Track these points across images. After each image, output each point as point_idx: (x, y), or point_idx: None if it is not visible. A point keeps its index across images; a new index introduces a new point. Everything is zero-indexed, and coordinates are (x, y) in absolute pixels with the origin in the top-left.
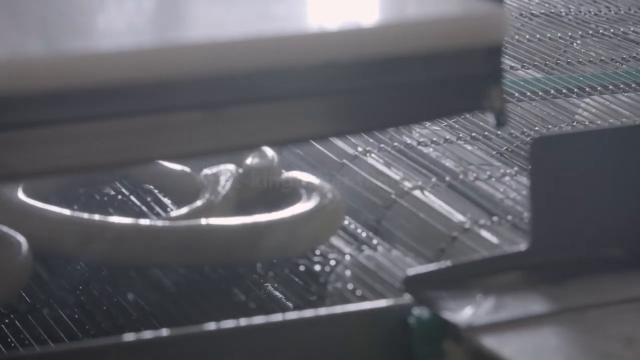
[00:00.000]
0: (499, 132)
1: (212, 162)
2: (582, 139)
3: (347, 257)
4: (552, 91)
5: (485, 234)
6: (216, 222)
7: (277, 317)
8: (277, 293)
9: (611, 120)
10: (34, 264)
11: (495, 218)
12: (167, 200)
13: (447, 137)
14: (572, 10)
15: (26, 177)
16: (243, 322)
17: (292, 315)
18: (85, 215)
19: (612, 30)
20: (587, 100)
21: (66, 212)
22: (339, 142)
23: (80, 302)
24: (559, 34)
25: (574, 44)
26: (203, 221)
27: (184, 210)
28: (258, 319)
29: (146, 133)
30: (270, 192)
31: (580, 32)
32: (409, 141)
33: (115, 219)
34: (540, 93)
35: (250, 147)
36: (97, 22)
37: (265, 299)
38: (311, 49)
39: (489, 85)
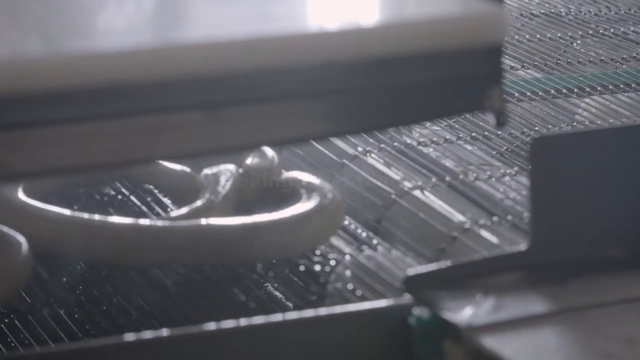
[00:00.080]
0: (499, 132)
1: (212, 162)
2: (582, 139)
3: (347, 257)
4: (552, 91)
5: (485, 234)
6: (216, 222)
7: (277, 317)
8: (277, 293)
9: (611, 120)
10: (34, 264)
11: (495, 218)
12: (167, 200)
13: (447, 137)
14: (572, 10)
15: (26, 177)
16: (243, 322)
17: (292, 315)
18: (85, 215)
19: (612, 30)
20: (587, 100)
21: (66, 212)
22: (339, 142)
23: (80, 302)
24: (559, 34)
25: (574, 44)
26: (203, 221)
27: (184, 210)
28: (258, 319)
29: (146, 133)
30: (270, 192)
31: (580, 32)
32: (409, 141)
33: (115, 219)
34: (540, 93)
35: (250, 147)
36: (97, 22)
37: (265, 299)
38: (311, 49)
39: (489, 85)
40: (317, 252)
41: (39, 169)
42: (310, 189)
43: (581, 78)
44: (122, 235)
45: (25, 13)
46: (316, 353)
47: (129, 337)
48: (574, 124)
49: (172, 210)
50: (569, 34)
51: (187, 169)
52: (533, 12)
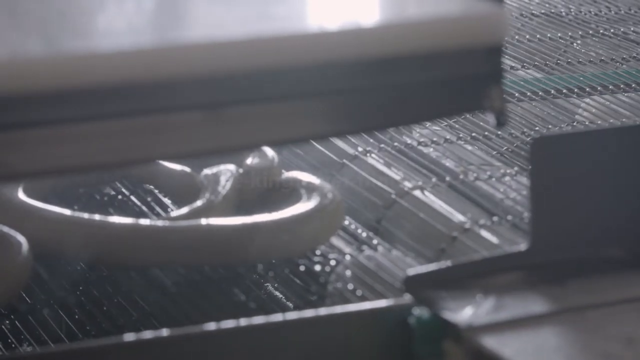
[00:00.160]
0: (499, 132)
1: (212, 162)
2: (582, 139)
3: (348, 257)
4: (552, 91)
5: (485, 234)
6: (216, 222)
7: (277, 317)
8: (277, 293)
9: (611, 120)
10: (34, 264)
11: (495, 218)
12: (167, 200)
13: (447, 137)
14: (572, 10)
15: (26, 177)
16: (243, 322)
17: (292, 315)
18: (85, 215)
19: (612, 30)
20: (587, 100)
21: (66, 212)
22: (339, 142)
23: (80, 302)
24: (559, 34)
25: (574, 44)
26: (203, 221)
27: (184, 210)
28: (258, 319)
29: (146, 133)
30: (270, 192)
31: (580, 32)
32: (409, 141)
33: (115, 219)
34: (540, 93)
35: (250, 147)
36: (97, 22)
37: (265, 299)
38: (311, 49)
39: (489, 85)
40: (317, 252)
41: (39, 169)
42: (310, 189)
43: (581, 78)
44: (122, 235)
45: (25, 13)
46: (316, 353)
47: (129, 337)
48: (574, 124)
49: (172, 210)
50: (569, 34)
51: (187, 169)
52: (533, 12)
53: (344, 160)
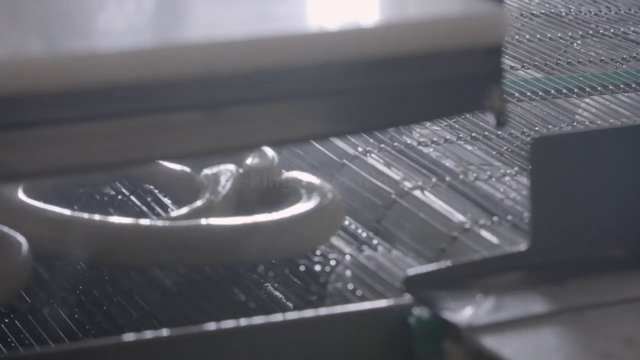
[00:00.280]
0: (499, 132)
1: (212, 162)
2: (582, 139)
3: (348, 257)
4: (552, 91)
5: (485, 234)
6: (216, 222)
7: (277, 317)
8: (277, 293)
9: (611, 120)
10: (34, 264)
11: (495, 218)
12: (167, 200)
13: (447, 137)
14: (572, 10)
15: (26, 177)
16: (243, 322)
17: (292, 315)
18: (85, 215)
19: (612, 30)
20: (587, 100)
21: (66, 212)
22: (339, 142)
23: (80, 302)
24: (559, 34)
25: (574, 44)
26: (203, 221)
27: (184, 210)
28: (258, 319)
29: (146, 133)
30: (270, 192)
31: (580, 32)
32: (409, 141)
33: (115, 219)
34: (540, 93)
35: (250, 147)
36: (97, 22)
37: (265, 299)
38: (311, 49)
39: (489, 85)
40: (317, 252)
41: (39, 169)
42: (310, 189)
43: (581, 78)
44: (122, 235)
45: (25, 13)
46: (316, 353)
47: (129, 337)
48: (574, 124)
49: (172, 210)
50: (569, 34)
51: (187, 169)
52: (533, 12)
53: (344, 160)
